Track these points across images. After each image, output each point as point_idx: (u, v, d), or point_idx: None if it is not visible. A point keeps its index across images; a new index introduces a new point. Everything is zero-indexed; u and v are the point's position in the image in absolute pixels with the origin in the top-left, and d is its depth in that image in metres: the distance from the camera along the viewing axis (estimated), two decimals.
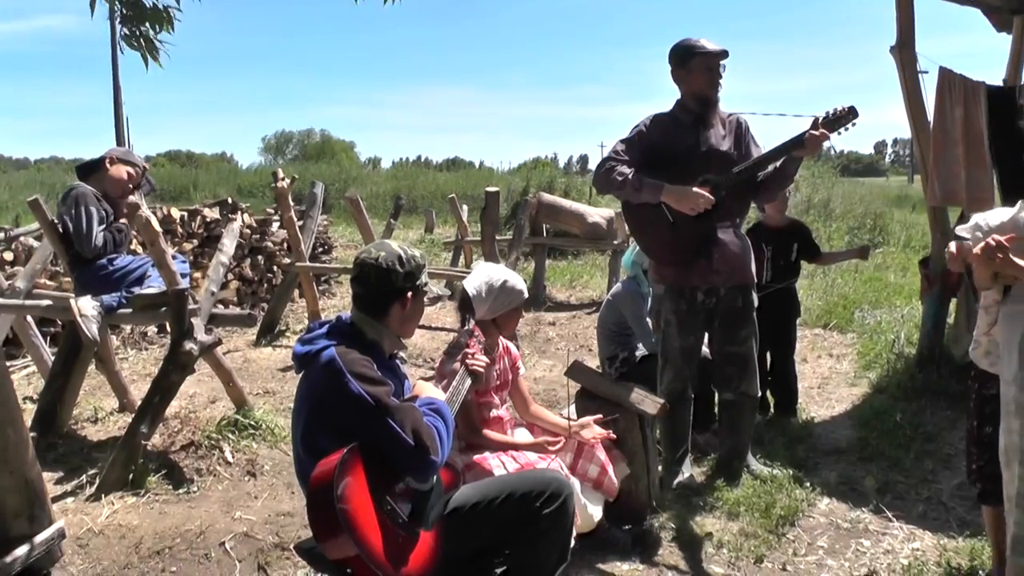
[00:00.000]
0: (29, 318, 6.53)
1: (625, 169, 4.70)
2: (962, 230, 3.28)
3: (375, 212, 21.50)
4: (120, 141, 33.32)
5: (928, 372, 6.80)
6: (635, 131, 4.87)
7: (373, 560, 2.69)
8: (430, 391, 3.26)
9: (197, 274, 8.93)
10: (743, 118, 5.00)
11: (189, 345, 5.21)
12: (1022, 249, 3.17)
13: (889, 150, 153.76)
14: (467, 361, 3.46)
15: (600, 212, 13.36)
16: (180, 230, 10.01)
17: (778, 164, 4.79)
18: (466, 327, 3.72)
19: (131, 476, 4.96)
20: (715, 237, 4.82)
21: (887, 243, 18.37)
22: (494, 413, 4.04)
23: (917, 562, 4.10)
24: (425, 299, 3.38)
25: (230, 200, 11.50)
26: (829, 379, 7.66)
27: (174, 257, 5.72)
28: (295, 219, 9.31)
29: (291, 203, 9.25)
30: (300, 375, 3.14)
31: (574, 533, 3.67)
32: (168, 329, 7.31)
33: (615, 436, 4.23)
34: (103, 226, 5.70)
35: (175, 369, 5.22)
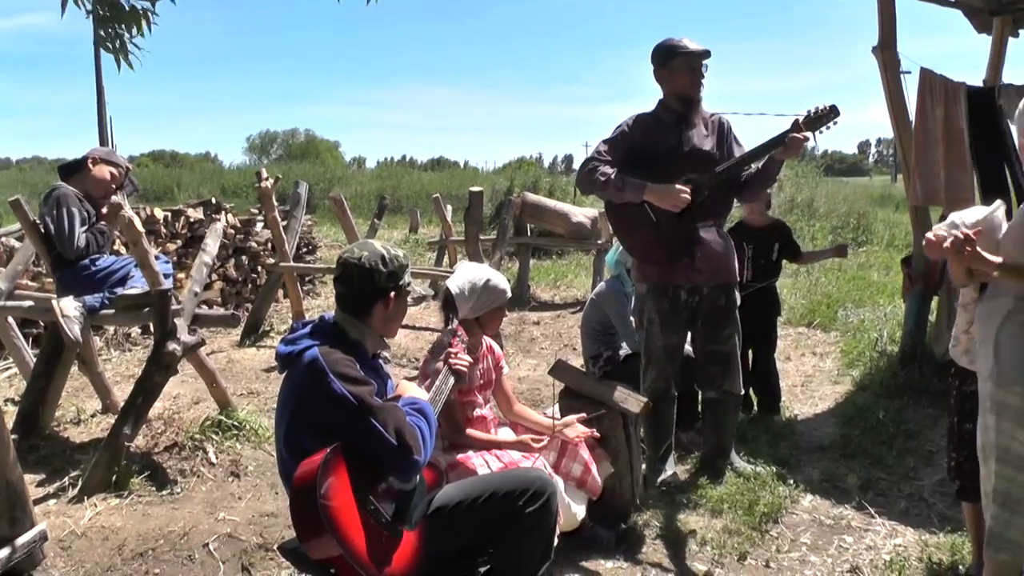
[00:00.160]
0: (10, 319, 6.50)
1: (608, 169, 4.72)
2: (939, 228, 3.31)
3: (359, 212, 21.49)
4: (103, 141, 33.15)
5: (910, 370, 6.83)
6: (618, 131, 4.88)
7: (356, 560, 2.69)
8: (413, 391, 3.27)
9: (181, 275, 8.89)
10: (725, 118, 5.02)
11: (172, 346, 5.20)
12: (994, 246, 3.20)
13: (873, 150, 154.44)
14: (450, 360, 3.46)
15: (584, 212, 13.38)
16: (163, 230, 9.96)
17: (760, 164, 4.82)
18: (449, 327, 3.72)
19: (114, 477, 4.94)
20: (698, 236, 4.83)
21: (870, 242, 18.46)
22: (478, 412, 4.04)
23: (899, 558, 4.13)
24: (408, 299, 3.38)
25: (214, 200, 11.45)
26: (812, 377, 7.69)
27: (157, 257, 5.70)
28: (279, 219, 9.30)
29: (275, 203, 9.23)
30: (283, 375, 3.15)
31: (557, 532, 3.68)
32: (151, 330, 7.29)
33: (599, 435, 4.24)
34: (85, 227, 5.67)
35: (158, 370, 5.20)
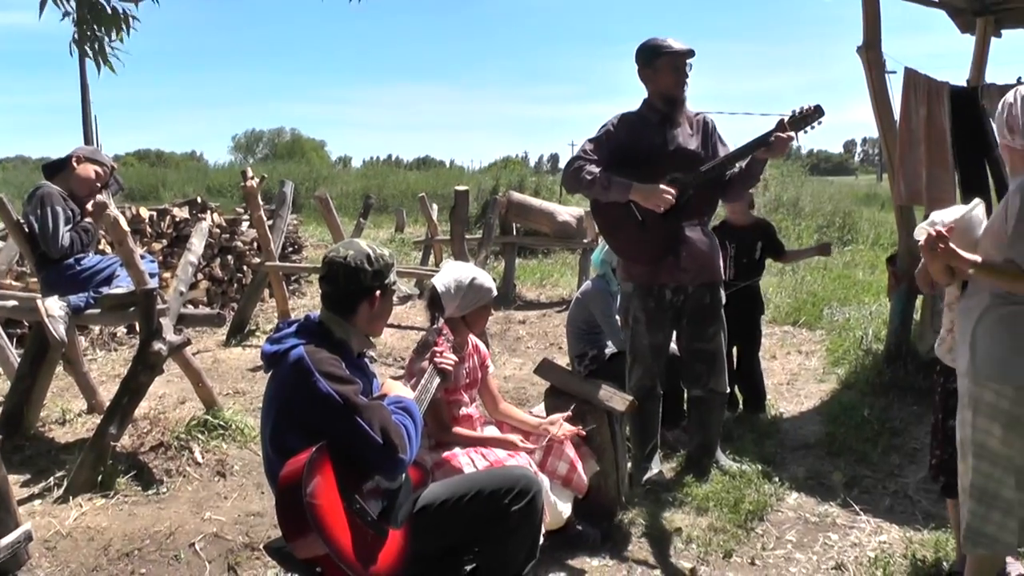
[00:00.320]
0: None
1: (594, 168, 4.72)
2: (921, 227, 3.33)
3: (345, 211, 21.44)
4: (88, 140, 32.97)
5: (895, 368, 6.87)
6: (603, 130, 4.89)
7: (342, 559, 2.69)
8: (399, 389, 3.27)
9: (166, 274, 8.86)
10: (710, 117, 5.04)
11: (158, 345, 5.18)
12: (973, 243, 3.24)
13: (858, 149, 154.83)
14: (436, 359, 3.47)
15: (570, 211, 13.39)
16: (149, 230, 9.92)
17: (744, 164, 4.83)
18: (435, 325, 3.73)
19: (100, 477, 4.92)
20: (683, 235, 4.84)
21: (856, 241, 18.54)
22: (464, 411, 4.05)
23: (884, 555, 4.15)
24: (394, 298, 3.38)
25: (199, 199, 11.41)
26: (798, 375, 7.72)
27: (143, 257, 5.68)
28: (264, 218, 9.28)
29: (260, 202, 9.22)
30: (269, 375, 3.15)
31: (543, 530, 3.69)
32: (137, 329, 7.27)
33: (584, 433, 4.25)
34: (69, 226, 5.65)
35: (144, 370, 5.18)
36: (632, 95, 5.03)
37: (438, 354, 3.49)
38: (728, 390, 5.27)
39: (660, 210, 4.65)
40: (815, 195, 22.19)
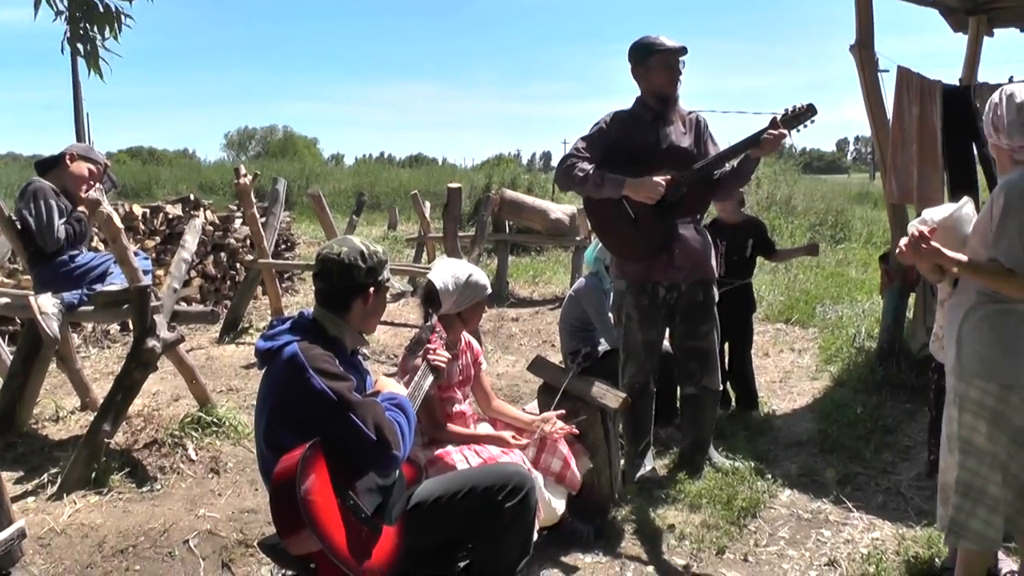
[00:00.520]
0: None
1: (586, 165, 4.73)
2: (912, 225, 3.36)
3: (338, 209, 21.38)
4: (80, 137, 32.86)
5: (888, 366, 6.89)
6: (595, 128, 4.89)
7: (336, 555, 2.70)
8: (392, 386, 3.28)
9: (160, 271, 8.86)
10: (703, 116, 5.04)
11: (152, 342, 5.18)
12: (961, 242, 3.27)
13: (851, 147, 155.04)
14: (429, 356, 3.48)
15: (562, 208, 13.40)
16: (142, 227, 9.92)
17: (736, 163, 4.84)
18: (428, 323, 3.74)
19: (93, 475, 4.93)
20: (676, 233, 4.85)
21: (848, 239, 18.57)
22: (457, 408, 4.05)
23: (876, 551, 4.16)
24: (388, 295, 3.39)
25: (192, 197, 11.40)
26: (791, 373, 7.74)
27: (136, 254, 5.67)
28: (258, 216, 9.27)
29: (253, 200, 9.21)
30: (263, 371, 3.15)
31: (537, 527, 3.70)
32: (130, 327, 7.25)
33: (578, 431, 4.26)
34: (64, 219, 5.65)
35: (138, 367, 5.18)
36: (625, 93, 5.04)
37: (431, 351, 3.50)
38: (721, 387, 5.28)
39: (652, 201, 4.64)
40: (808, 193, 22.23)
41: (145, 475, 5.12)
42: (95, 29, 4.25)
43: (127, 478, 5.05)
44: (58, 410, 6.33)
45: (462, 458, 3.77)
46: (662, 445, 5.54)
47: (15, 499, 4.65)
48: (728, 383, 6.23)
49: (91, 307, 5.59)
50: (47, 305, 5.37)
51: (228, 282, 11.18)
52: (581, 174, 4.72)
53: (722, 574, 4.02)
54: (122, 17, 4.29)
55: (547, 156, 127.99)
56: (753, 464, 5.19)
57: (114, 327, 8.95)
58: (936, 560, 3.99)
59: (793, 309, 10.34)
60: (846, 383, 7.03)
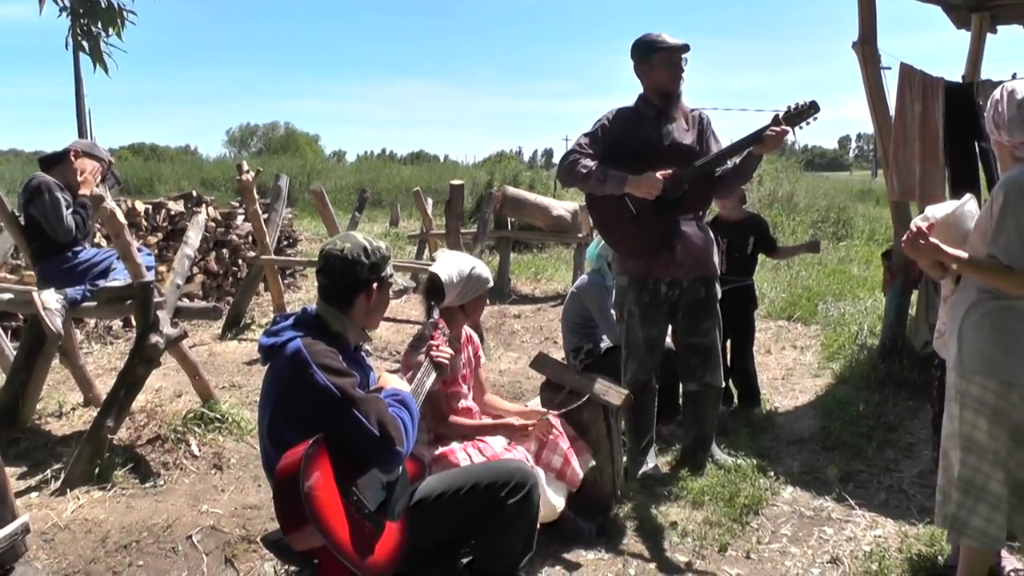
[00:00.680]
0: None
1: (589, 162, 4.73)
2: (915, 223, 3.36)
3: (339, 205, 21.39)
4: (82, 133, 32.83)
5: (890, 363, 6.88)
6: (598, 125, 4.90)
7: (340, 551, 2.70)
8: (395, 382, 3.28)
9: (162, 267, 8.86)
10: (705, 114, 5.04)
11: (155, 338, 5.19)
12: (963, 239, 3.27)
13: (853, 145, 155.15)
14: (432, 353, 3.48)
15: (564, 205, 13.39)
16: (144, 223, 9.91)
17: (738, 160, 4.84)
18: (431, 319, 3.74)
19: (97, 470, 4.94)
20: (678, 230, 4.85)
21: (850, 236, 18.56)
22: (463, 404, 4.06)
23: (879, 548, 4.16)
24: (391, 291, 3.40)
25: (194, 193, 11.41)
26: (793, 370, 7.73)
27: (139, 250, 5.68)
28: (260, 212, 9.28)
29: (256, 196, 9.21)
30: (266, 367, 3.15)
31: (538, 523, 3.71)
32: (133, 322, 7.26)
33: (578, 420, 4.26)
34: (70, 210, 5.67)
35: (141, 362, 5.19)
36: (626, 91, 5.04)
37: (434, 348, 3.50)
38: (723, 384, 5.28)
39: (651, 197, 4.64)
40: (810, 190, 22.19)
41: (148, 471, 5.12)
42: (98, 25, 4.24)
43: (130, 474, 5.06)
44: (61, 406, 6.34)
45: (466, 456, 3.78)
46: (664, 442, 5.54)
47: (19, 494, 4.66)
48: (730, 380, 6.24)
49: (94, 303, 5.60)
50: (51, 301, 5.39)
51: (230, 278, 11.18)
52: (584, 170, 4.72)
53: (724, 571, 4.02)
54: (124, 14, 4.29)
55: (549, 153, 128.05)
56: (755, 461, 5.19)
57: (116, 323, 8.95)
58: (939, 558, 3.99)
59: (795, 306, 10.34)
60: (848, 380, 7.03)
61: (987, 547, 3.35)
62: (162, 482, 5.03)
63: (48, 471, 5.11)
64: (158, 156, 54.02)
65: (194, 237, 6.33)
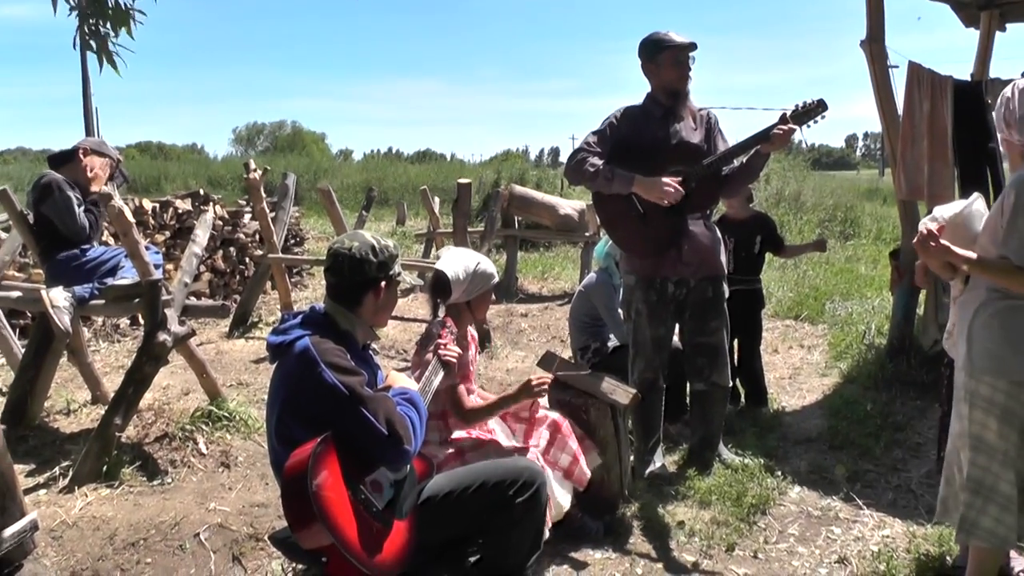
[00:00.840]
0: None
1: (596, 160, 4.73)
2: (923, 223, 3.35)
3: (346, 204, 21.40)
4: (89, 132, 33.02)
5: (898, 362, 6.86)
6: (606, 123, 4.89)
7: (348, 549, 2.71)
8: (403, 381, 3.28)
9: (169, 265, 8.89)
10: (713, 113, 5.03)
11: (163, 336, 5.19)
12: (971, 239, 3.26)
13: (860, 144, 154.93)
14: (439, 351, 3.48)
15: (572, 204, 13.38)
16: (152, 221, 9.95)
17: (745, 159, 4.84)
18: (438, 316, 3.74)
19: (105, 468, 4.94)
20: (685, 229, 4.84)
21: (858, 236, 18.53)
22: (476, 401, 4.04)
23: (887, 549, 4.15)
24: (399, 289, 3.40)
25: (202, 191, 11.44)
26: (800, 369, 7.72)
27: (147, 248, 5.69)
28: (267, 210, 9.28)
29: (263, 195, 9.22)
30: (274, 366, 3.16)
31: (550, 523, 3.71)
32: (140, 320, 7.27)
33: (586, 420, 4.26)
34: (82, 208, 5.70)
35: (149, 360, 5.19)
36: (633, 89, 5.06)
37: (442, 346, 3.50)
38: (730, 384, 5.27)
39: (664, 203, 4.65)
40: (817, 189, 22.14)
41: (156, 469, 5.13)
42: (107, 25, 4.24)
43: (138, 471, 5.07)
44: (69, 403, 6.35)
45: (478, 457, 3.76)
46: (671, 441, 5.54)
47: (27, 491, 4.67)
48: (737, 379, 6.22)
49: (102, 301, 5.62)
50: (59, 299, 5.40)
51: (237, 277, 11.20)
52: (591, 169, 4.72)
53: (732, 571, 4.01)
54: (133, 14, 4.28)
55: (555, 152, 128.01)
56: (763, 461, 5.18)
57: (124, 321, 8.97)
58: (947, 558, 3.98)
59: (802, 306, 10.32)
60: (856, 380, 7.01)
61: (997, 548, 3.34)
62: (170, 480, 5.04)
63: (56, 468, 5.12)
64: (165, 155, 54.27)
65: (202, 235, 6.33)
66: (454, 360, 3.53)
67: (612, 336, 5.96)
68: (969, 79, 7.04)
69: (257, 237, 11.25)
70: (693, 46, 4.77)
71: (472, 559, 3.61)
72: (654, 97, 4.89)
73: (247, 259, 11.34)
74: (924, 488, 4.91)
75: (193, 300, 6.89)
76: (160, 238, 9.87)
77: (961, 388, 3.34)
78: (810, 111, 4.62)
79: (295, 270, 12.14)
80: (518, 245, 13.14)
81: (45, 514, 4.44)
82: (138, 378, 5.18)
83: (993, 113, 3.43)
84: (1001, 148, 3.45)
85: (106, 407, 5.31)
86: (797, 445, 5.66)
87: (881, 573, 3.92)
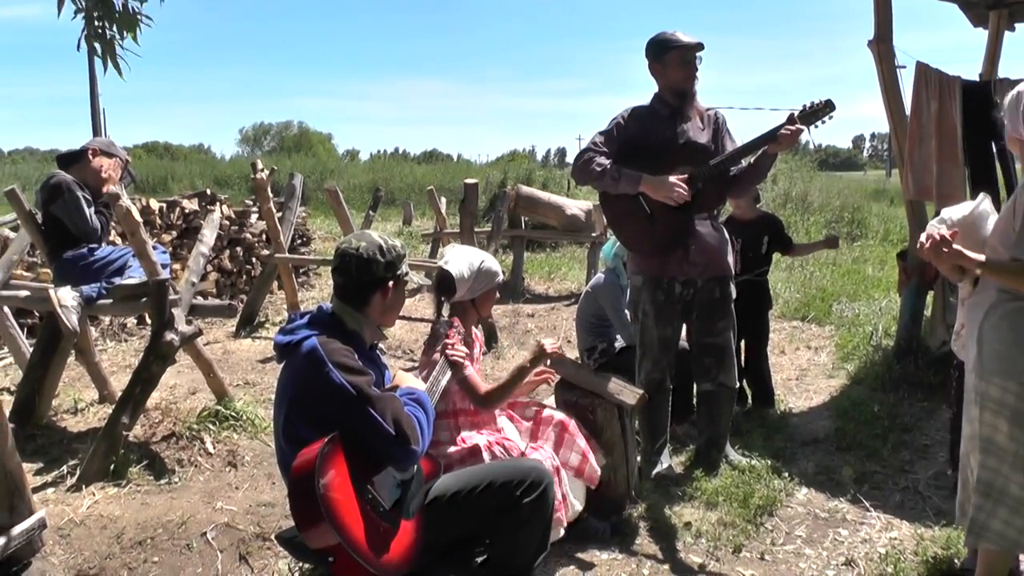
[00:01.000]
0: (6, 309, 6.50)
1: (603, 160, 4.73)
2: (931, 225, 3.34)
3: (352, 204, 21.36)
4: (97, 132, 33.07)
5: (905, 364, 6.84)
6: (613, 123, 4.89)
7: (355, 548, 2.70)
8: (410, 381, 3.29)
9: (176, 265, 8.90)
10: (721, 113, 5.03)
11: (170, 336, 5.20)
12: (981, 240, 3.25)
13: (867, 144, 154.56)
14: (447, 351, 3.48)
15: (578, 204, 13.38)
16: (159, 221, 9.96)
17: (752, 159, 4.83)
18: (444, 316, 3.74)
19: (112, 467, 4.96)
20: (692, 229, 4.83)
21: (865, 236, 18.50)
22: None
23: (894, 551, 4.14)
24: (406, 289, 3.40)
25: (208, 191, 11.46)
26: (807, 371, 7.71)
27: (154, 248, 5.70)
28: (274, 210, 9.29)
29: (270, 194, 9.23)
30: (281, 365, 3.16)
31: (565, 523, 3.71)
32: (147, 320, 7.28)
33: (591, 418, 4.26)
34: (92, 209, 5.71)
35: (156, 360, 5.20)
36: (640, 89, 5.05)
37: (449, 346, 3.50)
38: (737, 384, 5.27)
39: (673, 203, 4.64)
40: (824, 190, 22.12)
41: (163, 468, 5.14)
42: (113, 28, 4.24)
43: (145, 470, 5.08)
44: (77, 402, 6.37)
45: (490, 456, 3.75)
46: (678, 442, 5.53)
47: (35, 490, 4.67)
48: (744, 380, 6.22)
49: (110, 300, 5.63)
50: (67, 298, 5.42)
51: (244, 276, 11.21)
52: (598, 169, 4.71)
53: (738, 572, 4.01)
54: (140, 19, 4.28)
55: (562, 152, 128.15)
56: (770, 462, 5.17)
57: (131, 320, 8.99)
58: (955, 560, 3.97)
59: (809, 306, 10.30)
60: (863, 381, 7.00)
61: (1007, 550, 3.33)
62: (177, 479, 5.04)
63: (64, 467, 5.14)
64: (172, 155, 54.34)
65: (209, 235, 6.34)
66: (462, 360, 3.53)
67: (619, 337, 5.95)
68: (977, 79, 7.02)
69: (264, 237, 11.26)
70: (700, 46, 4.77)
71: (479, 559, 3.61)
72: (661, 97, 4.89)
73: (254, 259, 11.35)
74: (932, 490, 4.90)
75: (200, 300, 6.91)
76: (167, 238, 9.89)
77: (972, 390, 3.33)
78: (818, 111, 4.61)
79: (302, 270, 12.15)
80: (524, 245, 13.14)
81: (53, 512, 4.45)
82: (145, 377, 5.19)
83: (1001, 112, 3.41)
84: (1009, 147, 3.43)
85: (113, 406, 5.32)
86: (804, 446, 5.66)
87: (889, 575, 3.92)
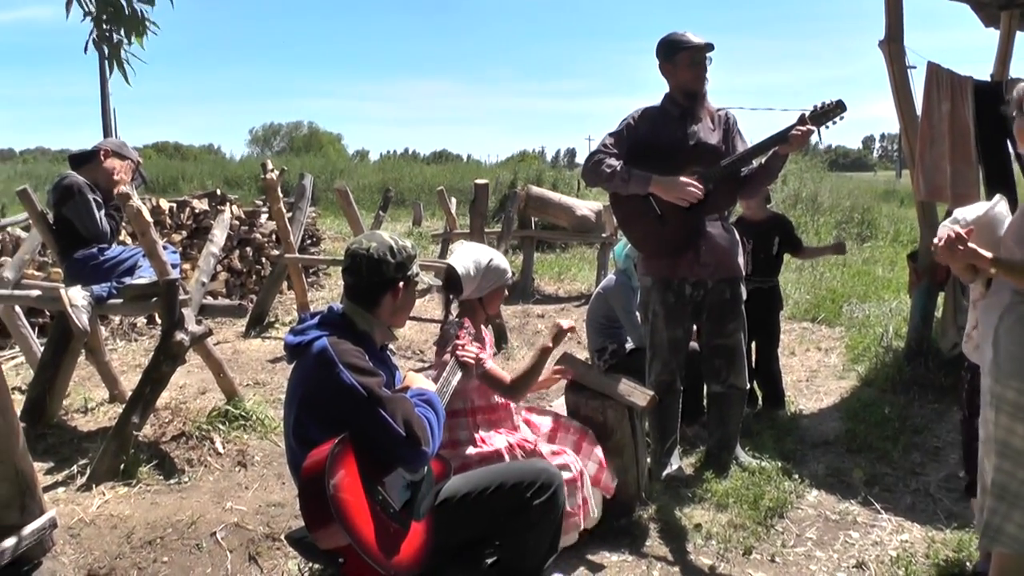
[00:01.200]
0: (18, 308, 6.52)
1: (613, 161, 4.72)
2: (944, 226, 3.32)
3: (362, 204, 21.40)
4: (107, 132, 33.15)
5: (916, 365, 6.82)
6: (623, 124, 4.89)
7: (365, 549, 2.70)
8: (421, 382, 3.29)
9: (187, 265, 8.92)
10: (731, 113, 5.02)
11: (180, 335, 5.21)
12: (996, 241, 3.23)
13: (877, 145, 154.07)
14: (457, 352, 3.48)
15: (589, 205, 13.37)
16: (169, 221, 9.98)
17: (763, 160, 4.82)
18: (452, 317, 3.74)
19: (122, 466, 4.96)
20: (703, 230, 4.83)
21: (875, 237, 18.45)
22: (498, 399, 4.01)
23: (906, 554, 4.13)
24: (416, 290, 3.39)
25: (218, 192, 11.48)
26: (817, 372, 7.69)
27: (164, 248, 5.72)
28: (284, 211, 9.30)
29: (280, 195, 9.24)
30: (292, 366, 3.16)
31: (582, 527, 3.70)
32: (157, 319, 7.29)
33: (602, 421, 4.25)
34: (102, 211, 5.73)
35: (166, 359, 5.21)
36: (649, 90, 5.04)
37: (460, 347, 3.50)
38: (748, 386, 5.25)
39: (685, 204, 4.63)
40: (834, 191, 22.07)
41: (173, 467, 5.15)
42: (121, 32, 4.24)
43: (155, 470, 5.09)
44: (87, 402, 6.39)
45: (512, 460, 3.73)
46: (688, 444, 5.52)
47: (46, 489, 4.68)
48: (755, 382, 6.19)
49: (120, 300, 5.64)
50: (77, 298, 5.43)
51: (254, 276, 11.23)
52: (608, 170, 4.71)
53: (749, 575, 4.00)
54: (147, 25, 4.29)
55: (571, 153, 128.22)
56: (780, 464, 5.16)
57: (141, 320, 9.01)
58: (967, 563, 3.96)
59: (819, 308, 10.28)
60: (873, 383, 6.97)
61: (1020, 554, 3.31)
62: (186, 479, 5.05)
63: (74, 467, 5.15)
64: (182, 155, 54.49)
65: (219, 235, 6.35)
66: (472, 361, 3.53)
67: (629, 338, 5.94)
68: (989, 79, 7.00)
69: (274, 237, 11.27)
70: (710, 47, 4.76)
71: (489, 561, 3.61)
72: (672, 98, 4.89)
73: (264, 259, 11.37)
74: (943, 492, 4.89)
75: (210, 299, 6.92)
76: (177, 238, 9.91)
77: (987, 393, 3.30)
78: (828, 112, 4.60)
79: (311, 270, 12.17)
80: (535, 246, 13.14)
81: (63, 512, 4.46)
82: (155, 377, 5.20)
83: (1011, 111, 3.39)
84: (1017, 139, 3.40)
85: (123, 406, 5.33)
86: (814, 448, 5.64)
87: None
